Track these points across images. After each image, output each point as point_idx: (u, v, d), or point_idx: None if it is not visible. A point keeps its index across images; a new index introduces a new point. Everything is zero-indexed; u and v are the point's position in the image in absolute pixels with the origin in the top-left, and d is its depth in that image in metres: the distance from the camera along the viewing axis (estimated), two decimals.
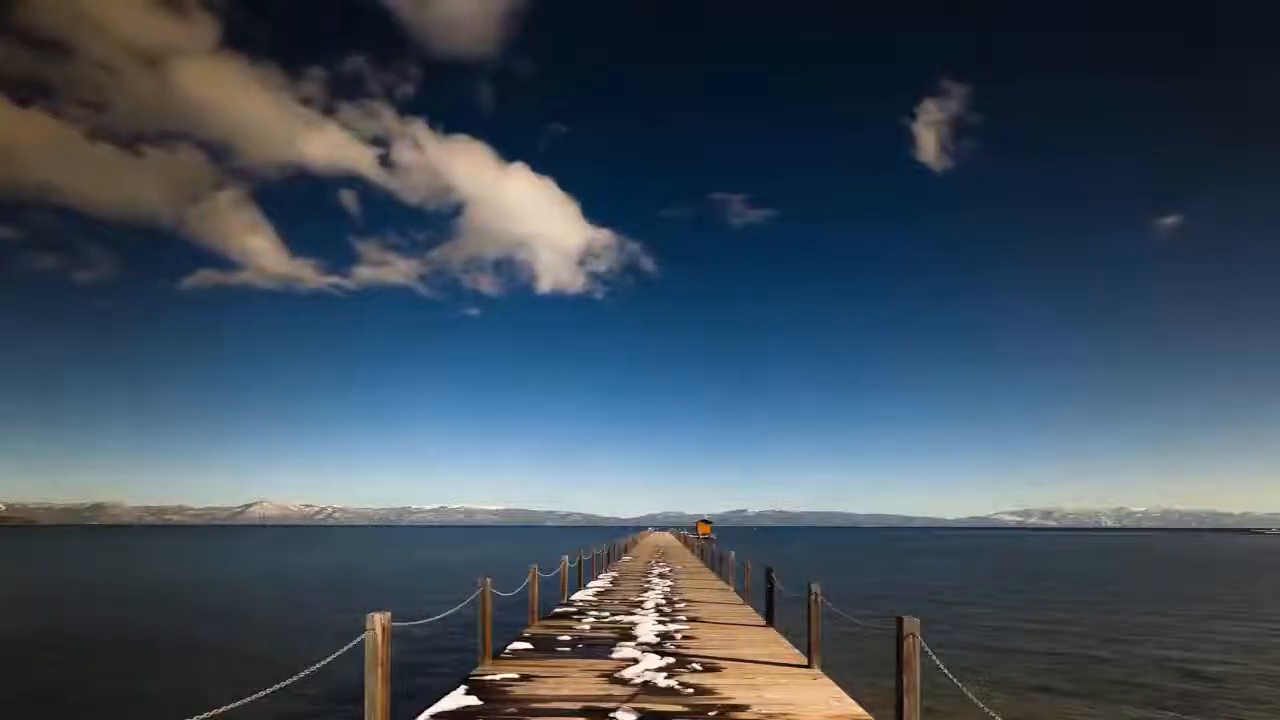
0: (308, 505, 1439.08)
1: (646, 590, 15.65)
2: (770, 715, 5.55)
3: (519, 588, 10.90)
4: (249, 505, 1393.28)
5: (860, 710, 5.71)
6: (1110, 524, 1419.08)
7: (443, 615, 7.79)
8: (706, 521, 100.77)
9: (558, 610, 11.87)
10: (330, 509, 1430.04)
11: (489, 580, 7.93)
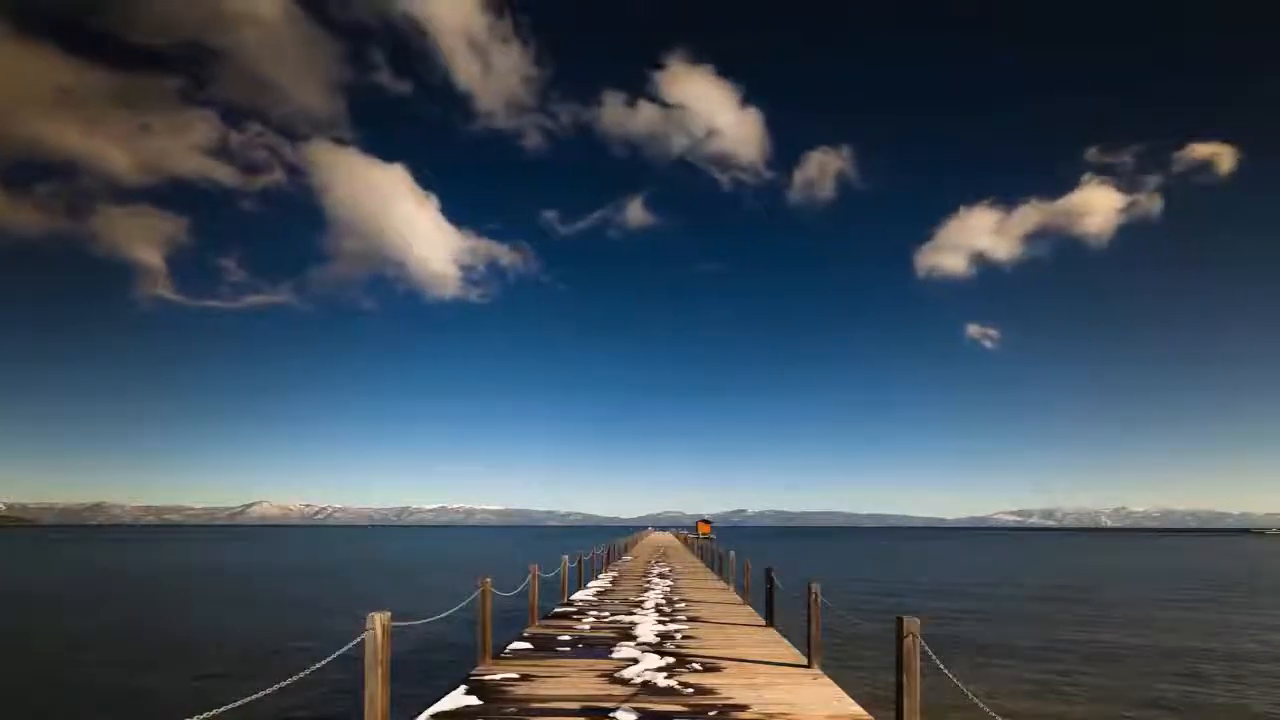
0: (308, 505, 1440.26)
1: (646, 590, 15.64)
2: (770, 715, 5.55)
3: (519, 588, 10.90)
4: (249, 505, 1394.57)
5: (860, 710, 5.70)
6: (1110, 524, 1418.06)
7: (443, 615, 7.79)
8: (706, 521, 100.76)
9: (558, 610, 11.86)
10: (330, 509, 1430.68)
11: (489, 580, 7.94)
